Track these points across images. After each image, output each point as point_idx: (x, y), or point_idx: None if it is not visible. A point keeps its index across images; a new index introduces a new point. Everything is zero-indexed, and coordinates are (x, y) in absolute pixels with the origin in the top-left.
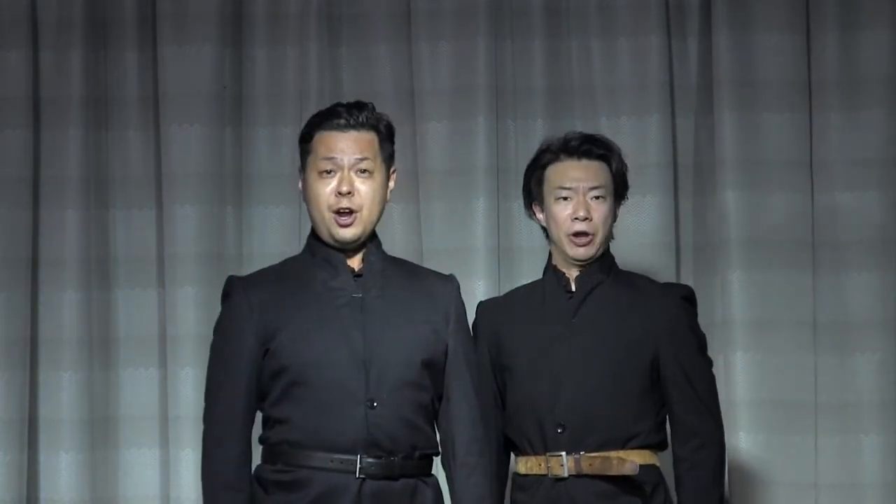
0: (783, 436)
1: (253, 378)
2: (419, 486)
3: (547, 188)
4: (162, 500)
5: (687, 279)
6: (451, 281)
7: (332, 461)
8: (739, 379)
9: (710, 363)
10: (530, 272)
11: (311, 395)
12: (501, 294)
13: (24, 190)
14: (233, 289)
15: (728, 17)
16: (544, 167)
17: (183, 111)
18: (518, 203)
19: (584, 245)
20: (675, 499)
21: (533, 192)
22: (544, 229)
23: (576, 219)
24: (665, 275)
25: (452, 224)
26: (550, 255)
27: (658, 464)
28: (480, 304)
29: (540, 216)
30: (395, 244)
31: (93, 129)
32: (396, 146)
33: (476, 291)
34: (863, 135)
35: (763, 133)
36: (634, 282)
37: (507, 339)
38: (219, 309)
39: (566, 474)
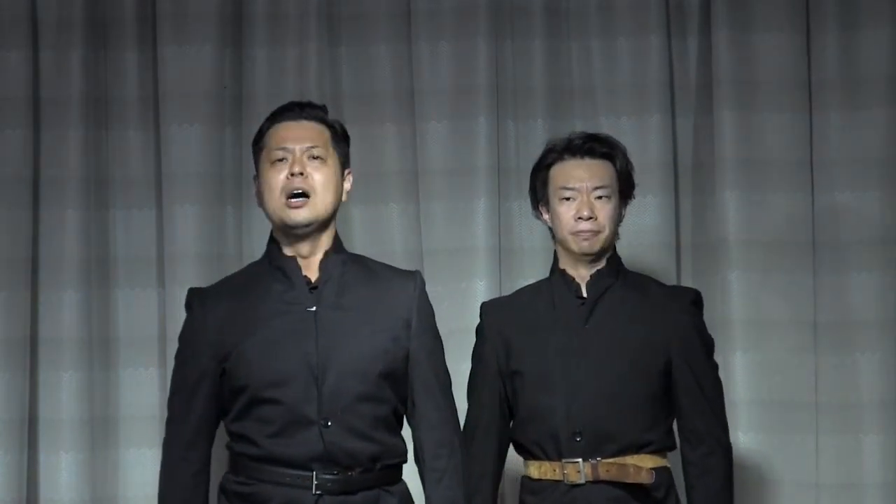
0: (783, 436)
1: (211, 398)
2: (382, 496)
3: (551, 188)
4: None
5: (687, 279)
6: (413, 278)
7: (289, 477)
8: (739, 379)
9: (716, 367)
10: (530, 272)
11: (267, 414)
12: (505, 294)
13: (24, 190)
14: (193, 301)
15: (728, 16)
16: (549, 167)
17: (183, 111)
18: (518, 203)
19: (588, 239)
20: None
21: (538, 193)
22: (551, 230)
23: (579, 218)
24: (665, 275)
25: (452, 224)
26: (556, 256)
27: (669, 465)
28: (484, 305)
29: (546, 217)
30: (395, 244)
31: (93, 129)
32: (397, 146)
33: (476, 291)
34: (863, 135)
35: (763, 133)
36: (643, 285)
37: (517, 344)
38: None
39: (583, 480)
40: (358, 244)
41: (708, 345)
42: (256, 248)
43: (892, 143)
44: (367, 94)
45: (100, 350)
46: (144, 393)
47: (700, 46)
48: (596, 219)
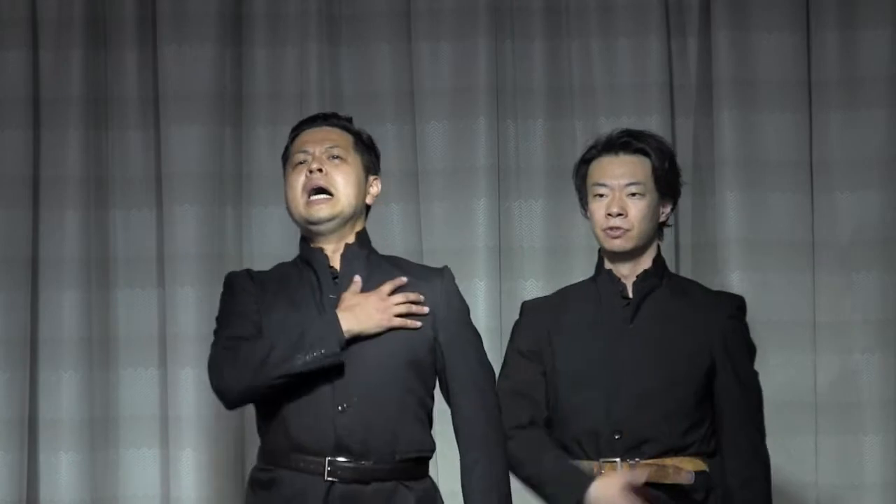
0: (783, 436)
1: (259, 325)
2: (398, 490)
3: (588, 186)
4: (162, 500)
5: None
6: (443, 273)
7: (302, 462)
8: None
9: (756, 375)
10: (530, 272)
11: (286, 396)
12: (501, 293)
13: (24, 190)
14: (234, 274)
15: (727, 16)
16: (587, 163)
17: (183, 111)
18: (518, 203)
19: (617, 237)
20: None
21: (581, 191)
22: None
23: (609, 215)
24: None
25: (452, 224)
26: (600, 255)
27: (708, 470)
28: (526, 304)
29: (588, 214)
30: (395, 244)
31: (93, 129)
32: (397, 146)
33: (476, 291)
34: (863, 134)
35: (763, 133)
36: (688, 288)
37: (559, 343)
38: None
39: None
40: None
41: (752, 352)
42: (256, 248)
43: (892, 143)
44: (367, 94)
45: (100, 350)
46: (144, 393)
47: (700, 46)
48: (626, 216)
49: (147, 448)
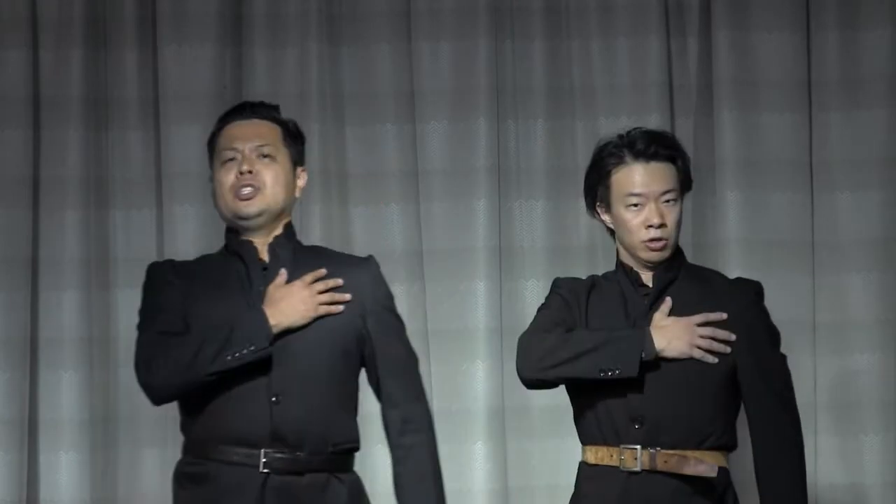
0: None
1: (184, 319)
2: (331, 482)
3: (616, 194)
4: (162, 499)
5: None
6: (368, 262)
7: (236, 455)
8: None
9: (784, 359)
10: (531, 272)
11: (218, 388)
12: (502, 294)
13: (24, 190)
14: (156, 264)
15: (728, 17)
16: (610, 172)
17: (183, 111)
18: (518, 203)
19: (658, 250)
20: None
21: (599, 195)
22: (610, 230)
23: (650, 226)
24: None
25: (452, 224)
26: (618, 252)
27: (727, 466)
28: (558, 279)
29: (605, 217)
30: (395, 244)
31: (93, 129)
32: (397, 146)
33: (476, 291)
34: (863, 135)
35: (763, 133)
36: (706, 276)
37: (590, 324)
38: None
39: (639, 468)
40: (358, 244)
41: (774, 336)
42: None
43: (892, 143)
44: (367, 94)
45: (100, 350)
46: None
47: (700, 46)
48: (666, 226)
49: (147, 448)
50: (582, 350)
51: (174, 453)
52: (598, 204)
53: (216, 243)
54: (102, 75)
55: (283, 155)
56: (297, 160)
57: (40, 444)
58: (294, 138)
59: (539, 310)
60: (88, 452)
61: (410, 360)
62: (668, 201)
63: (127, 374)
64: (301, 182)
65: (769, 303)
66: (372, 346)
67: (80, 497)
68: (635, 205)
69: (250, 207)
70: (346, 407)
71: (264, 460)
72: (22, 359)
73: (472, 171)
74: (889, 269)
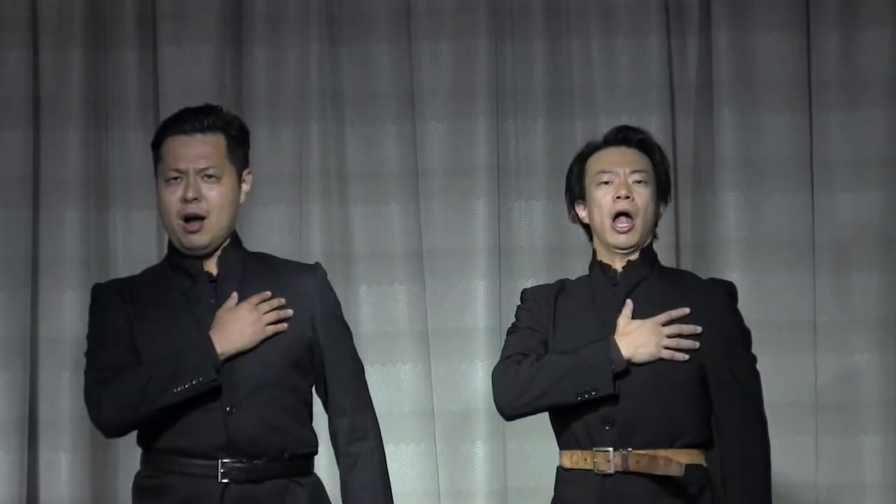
0: (783, 436)
1: (132, 347)
2: (290, 487)
3: (588, 177)
4: None
5: None
6: (315, 270)
7: (194, 466)
8: None
9: (754, 360)
10: (530, 272)
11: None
12: (503, 293)
13: (24, 190)
14: (101, 287)
15: (728, 16)
16: (584, 159)
17: None
18: (518, 203)
19: (625, 231)
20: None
21: (575, 189)
22: (586, 228)
23: (618, 198)
24: None
25: (452, 224)
26: (594, 252)
27: (705, 464)
28: (526, 290)
29: (583, 214)
30: (395, 244)
31: (93, 129)
32: (397, 146)
33: (476, 291)
34: (863, 134)
35: (763, 133)
36: (679, 277)
37: (558, 329)
38: None
39: (612, 470)
40: (358, 244)
41: (746, 336)
42: (256, 248)
43: (892, 143)
44: (367, 94)
45: None
46: None
47: (700, 46)
48: (633, 200)
49: None
50: (554, 378)
51: None
52: (575, 202)
53: None
54: (102, 75)
55: (228, 172)
56: (243, 165)
57: (40, 444)
58: (238, 143)
59: (508, 332)
60: (88, 452)
61: (358, 369)
62: (638, 182)
63: None
64: (247, 187)
65: (769, 303)
66: (321, 355)
67: (80, 497)
68: (606, 181)
69: (197, 240)
70: (299, 414)
71: (222, 471)
72: (22, 359)
73: (472, 170)
74: (889, 269)
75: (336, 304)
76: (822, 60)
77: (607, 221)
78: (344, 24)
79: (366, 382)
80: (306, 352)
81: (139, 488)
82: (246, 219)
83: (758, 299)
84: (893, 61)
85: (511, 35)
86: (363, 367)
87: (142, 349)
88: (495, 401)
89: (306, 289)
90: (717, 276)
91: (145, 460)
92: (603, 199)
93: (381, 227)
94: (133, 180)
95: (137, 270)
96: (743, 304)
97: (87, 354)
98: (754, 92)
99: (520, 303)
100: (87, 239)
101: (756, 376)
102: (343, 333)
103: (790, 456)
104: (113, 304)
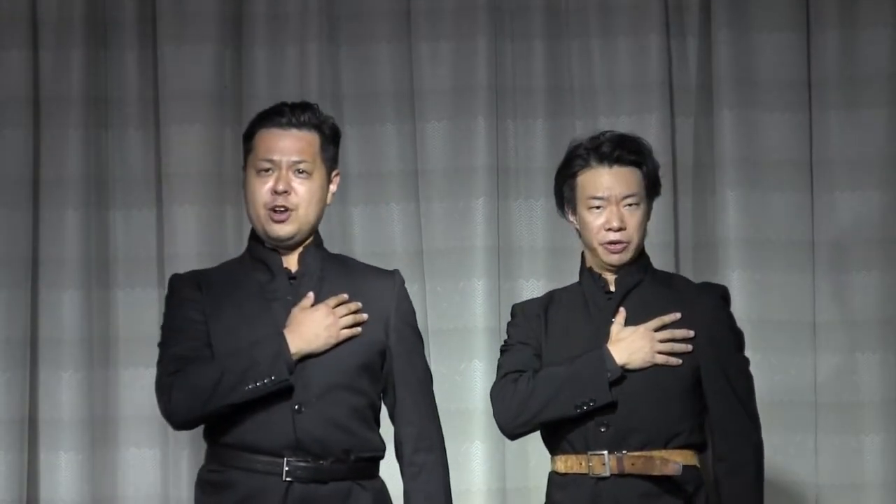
0: (783, 435)
1: (206, 340)
2: (354, 490)
3: (580, 196)
4: (162, 499)
5: None
6: (393, 277)
7: (258, 463)
8: None
9: (747, 362)
10: (530, 272)
11: None
12: (503, 293)
13: (24, 190)
14: (178, 278)
15: (728, 16)
16: (576, 174)
17: (183, 111)
18: (518, 203)
19: (618, 252)
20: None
21: (566, 197)
22: (578, 231)
23: (609, 229)
24: None
25: (452, 224)
26: (583, 257)
27: (699, 465)
28: (516, 306)
29: (573, 219)
30: (395, 244)
31: (93, 129)
32: (397, 146)
33: (475, 291)
34: (863, 134)
35: (763, 133)
36: (672, 281)
37: (550, 340)
38: None
39: (608, 473)
40: (358, 244)
41: (739, 340)
42: None
43: (892, 143)
44: (367, 94)
45: (100, 350)
46: (144, 393)
47: (700, 46)
48: (625, 229)
49: (147, 448)
50: (552, 393)
51: (174, 453)
52: (566, 206)
53: (216, 243)
54: (102, 75)
55: (319, 168)
56: (333, 165)
57: (40, 443)
58: (331, 142)
59: (501, 352)
60: (88, 452)
61: (427, 378)
62: (630, 205)
63: (127, 374)
64: (334, 187)
65: (769, 302)
66: (391, 361)
67: (80, 497)
68: (597, 207)
69: (283, 230)
70: (366, 417)
71: (287, 469)
72: (22, 359)
73: (472, 170)
74: (889, 269)
75: (411, 312)
76: (822, 60)
77: (598, 246)
78: (344, 24)
79: (433, 393)
80: (378, 356)
81: (203, 482)
82: (245, 218)
83: (758, 299)
84: (893, 61)
85: (511, 34)
86: (432, 378)
87: (215, 341)
88: (496, 421)
89: (382, 294)
90: (717, 275)
91: (210, 454)
92: (594, 223)
93: (380, 227)
94: (133, 180)
95: (137, 270)
96: (743, 304)
97: (161, 345)
98: (754, 92)
99: (510, 319)
100: (87, 239)
101: (749, 378)
102: (415, 342)
103: (790, 455)
104: (189, 295)
